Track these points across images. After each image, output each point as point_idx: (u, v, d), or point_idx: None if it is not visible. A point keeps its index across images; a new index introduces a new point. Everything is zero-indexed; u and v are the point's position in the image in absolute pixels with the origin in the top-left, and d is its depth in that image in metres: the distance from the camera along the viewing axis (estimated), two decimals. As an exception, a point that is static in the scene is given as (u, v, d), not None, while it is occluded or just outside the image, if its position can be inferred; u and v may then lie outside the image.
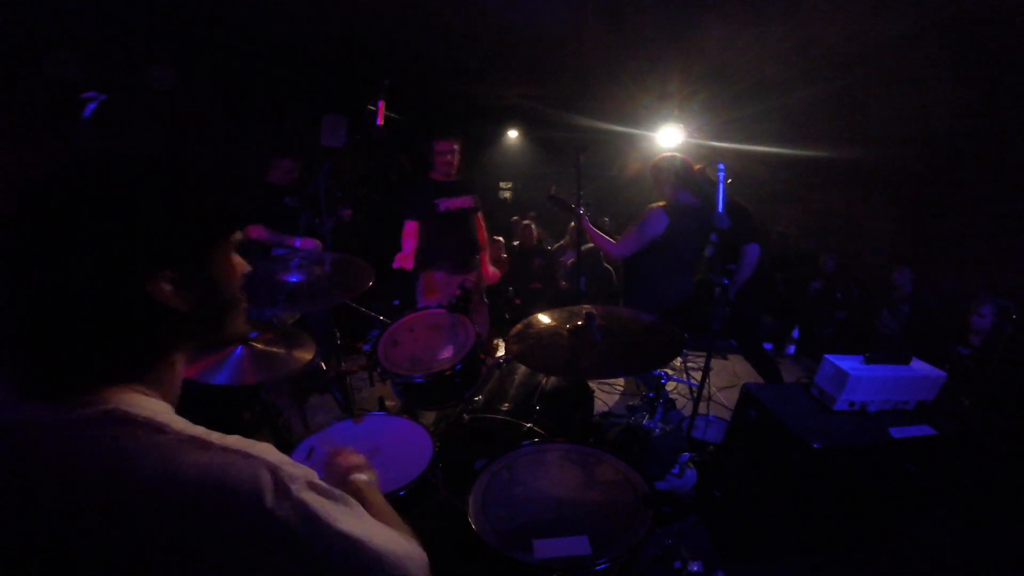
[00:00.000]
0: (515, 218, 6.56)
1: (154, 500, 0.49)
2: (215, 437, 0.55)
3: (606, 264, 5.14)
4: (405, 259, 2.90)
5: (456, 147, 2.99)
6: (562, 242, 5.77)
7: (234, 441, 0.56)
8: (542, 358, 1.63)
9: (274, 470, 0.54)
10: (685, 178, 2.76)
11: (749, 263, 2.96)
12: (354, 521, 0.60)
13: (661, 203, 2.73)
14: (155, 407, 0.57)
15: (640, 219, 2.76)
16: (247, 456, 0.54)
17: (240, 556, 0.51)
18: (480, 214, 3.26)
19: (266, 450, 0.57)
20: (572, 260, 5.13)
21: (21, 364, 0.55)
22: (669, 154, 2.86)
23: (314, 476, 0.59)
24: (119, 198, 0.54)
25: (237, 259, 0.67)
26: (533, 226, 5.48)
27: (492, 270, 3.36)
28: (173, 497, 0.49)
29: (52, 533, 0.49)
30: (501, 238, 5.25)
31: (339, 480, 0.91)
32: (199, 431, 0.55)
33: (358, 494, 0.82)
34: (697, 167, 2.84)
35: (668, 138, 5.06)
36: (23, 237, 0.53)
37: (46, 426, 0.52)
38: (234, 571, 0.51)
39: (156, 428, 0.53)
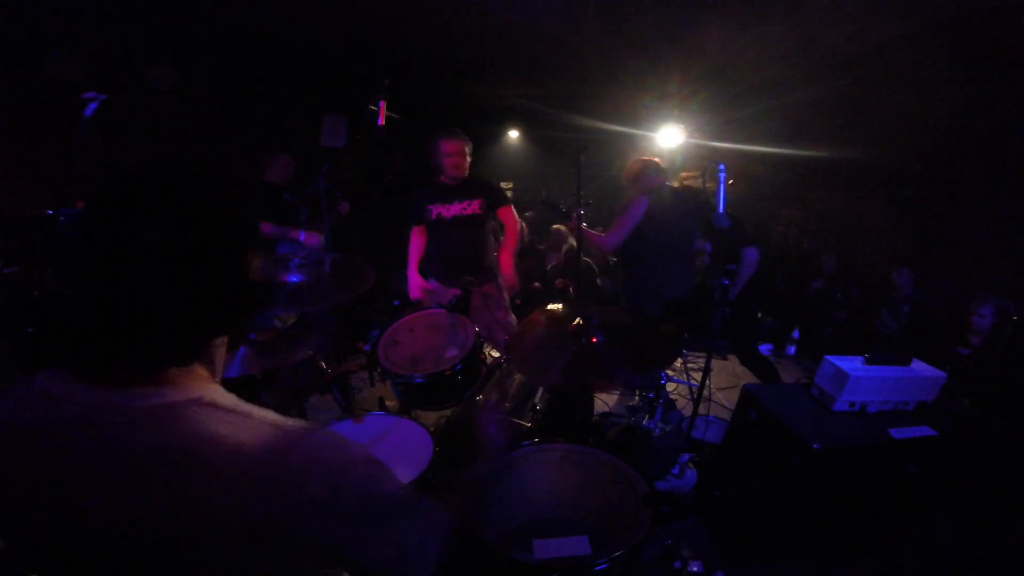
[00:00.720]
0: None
1: (251, 477, 0.53)
2: (282, 420, 0.60)
3: (585, 258, 5.13)
4: (420, 291, 2.79)
5: (466, 148, 2.74)
6: (544, 246, 5.74)
7: (296, 422, 0.61)
8: (542, 359, 1.63)
9: (335, 446, 0.60)
10: (662, 172, 2.93)
11: (749, 265, 2.99)
12: (412, 524, 0.68)
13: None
14: (229, 396, 0.61)
15: (625, 207, 2.89)
16: (318, 434, 0.59)
17: (301, 524, 0.54)
18: (509, 211, 2.96)
19: (327, 435, 0.61)
20: (555, 263, 5.15)
21: (99, 350, 0.57)
22: (643, 158, 3.01)
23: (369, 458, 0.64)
24: (224, 191, 0.61)
25: None
26: (525, 228, 5.46)
27: (510, 275, 2.97)
28: (267, 474, 0.53)
29: (132, 515, 0.51)
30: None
31: None
32: (271, 414, 0.60)
33: None
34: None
35: (668, 138, 5.06)
36: (152, 215, 0.55)
37: (126, 411, 0.54)
38: (293, 546, 0.54)
39: (244, 414, 0.58)
